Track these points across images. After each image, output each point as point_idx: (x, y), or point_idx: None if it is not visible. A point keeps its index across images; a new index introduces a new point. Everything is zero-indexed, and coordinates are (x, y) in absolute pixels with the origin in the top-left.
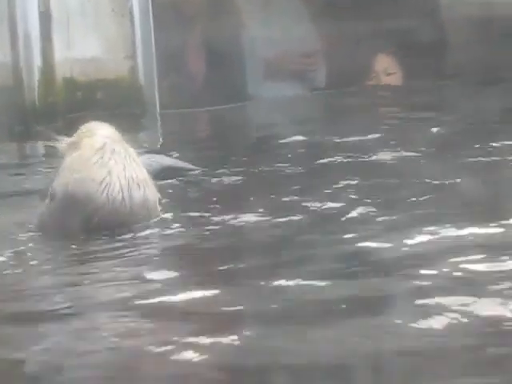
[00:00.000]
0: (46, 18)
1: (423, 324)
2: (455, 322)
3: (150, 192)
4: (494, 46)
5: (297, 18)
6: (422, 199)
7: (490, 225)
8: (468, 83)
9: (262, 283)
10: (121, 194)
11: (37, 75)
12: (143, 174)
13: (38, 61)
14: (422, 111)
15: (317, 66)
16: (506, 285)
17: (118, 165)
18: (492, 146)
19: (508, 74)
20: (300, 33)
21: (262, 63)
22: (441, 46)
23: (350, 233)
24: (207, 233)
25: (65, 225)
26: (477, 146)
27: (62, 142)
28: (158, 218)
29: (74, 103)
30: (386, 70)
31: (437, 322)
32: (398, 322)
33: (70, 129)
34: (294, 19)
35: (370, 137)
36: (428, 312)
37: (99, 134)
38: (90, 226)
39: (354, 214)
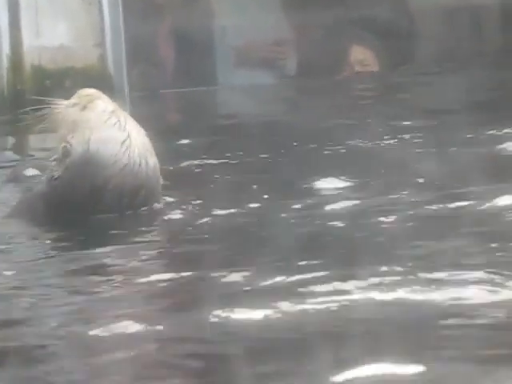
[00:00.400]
0: (14, 5)
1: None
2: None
3: (157, 161)
4: (461, 34)
5: (268, 7)
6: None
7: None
8: (435, 71)
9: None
10: (139, 159)
11: (5, 63)
12: (150, 143)
13: (6, 49)
14: (388, 99)
15: (287, 55)
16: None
17: (133, 130)
18: (447, 134)
19: (474, 62)
20: (271, 21)
21: (233, 51)
22: (410, 35)
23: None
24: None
25: (80, 185)
26: (436, 133)
27: (61, 104)
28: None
29: (42, 91)
30: (362, 61)
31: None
32: None
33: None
34: (264, 8)
35: (332, 124)
36: None
37: (106, 98)
38: (105, 189)
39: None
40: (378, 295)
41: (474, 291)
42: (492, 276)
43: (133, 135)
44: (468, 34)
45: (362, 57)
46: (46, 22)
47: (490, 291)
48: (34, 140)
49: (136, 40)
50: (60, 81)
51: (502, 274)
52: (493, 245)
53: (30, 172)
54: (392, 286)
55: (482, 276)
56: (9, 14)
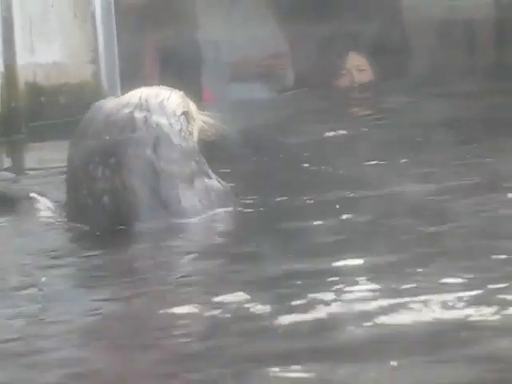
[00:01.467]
0: (8, 22)
1: None
2: None
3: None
4: (455, 48)
5: (261, 19)
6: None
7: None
8: (428, 84)
9: None
10: (146, 116)
11: None
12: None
13: (0, 66)
14: (380, 114)
15: (285, 67)
16: None
17: (151, 90)
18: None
19: (468, 75)
20: (264, 34)
21: (229, 65)
22: (402, 49)
23: None
24: None
25: (84, 146)
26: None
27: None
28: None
29: (37, 108)
30: (358, 66)
31: None
32: None
33: (33, 133)
34: (258, 20)
35: (327, 139)
36: None
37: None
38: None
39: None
40: None
41: None
42: None
43: (145, 92)
44: (462, 48)
45: (358, 62)
46: (39, 38)
47: None
48: (29, 160)
49: (129, 56)
50: (54, 97)
51: None
52: None
53: (30, 198)
54: None
55: None
56: (2, 30)
